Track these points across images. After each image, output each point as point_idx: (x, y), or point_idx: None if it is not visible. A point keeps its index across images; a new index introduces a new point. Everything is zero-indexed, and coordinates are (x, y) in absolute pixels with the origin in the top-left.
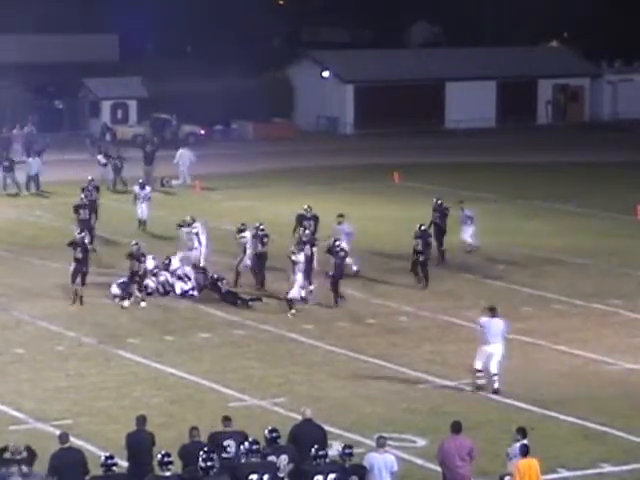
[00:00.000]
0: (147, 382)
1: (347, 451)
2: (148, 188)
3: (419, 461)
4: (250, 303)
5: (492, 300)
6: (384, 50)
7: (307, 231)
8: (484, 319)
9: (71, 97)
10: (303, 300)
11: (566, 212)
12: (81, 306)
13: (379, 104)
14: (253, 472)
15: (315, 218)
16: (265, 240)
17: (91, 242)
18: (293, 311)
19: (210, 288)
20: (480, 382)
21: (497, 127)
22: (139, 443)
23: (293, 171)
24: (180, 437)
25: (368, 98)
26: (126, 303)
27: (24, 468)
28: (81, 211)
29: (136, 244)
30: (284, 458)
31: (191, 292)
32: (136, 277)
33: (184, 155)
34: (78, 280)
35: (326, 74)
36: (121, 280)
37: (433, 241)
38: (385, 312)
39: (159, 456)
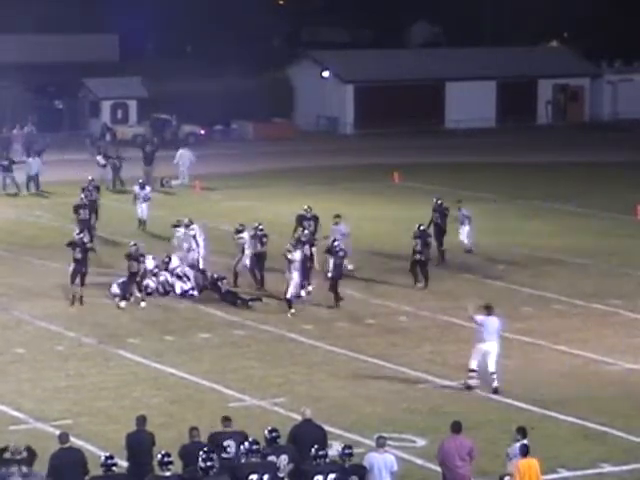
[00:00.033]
0: (147, 382)
1: (347, 451)
2: (148, 188)
3: (419, 461)
4: (250, 303)
5: (492, 300)
6: (384, 50)
7: (306, 231)
8: (480, 317)
9: (71, 97)
10: (300, 297)
11: (566, 212)
12: (81, 306)
13: (379, 104)
14: (253, 472)
15: (315, 218)
16: (264, 240)
17: (91, 242)
18: (293, 311)
19: (210, 288)
20: (471, 382)
21: (497, 127)
22: (139, 443)
23: (293, 171)
24: (180, 437)
25: (368, 98)
26: (123, 304)
27: (24, 468)
28: (81, 211)
29: (134, 245)
30: (284, 458)
31: (191, 292)
32: (135, 278)
33: (184, 155)
34: (77, 281)
35: (326, 74)
36: (121, 280)
37: (433, 241)
38: (385, 312)
39: (159, 456)
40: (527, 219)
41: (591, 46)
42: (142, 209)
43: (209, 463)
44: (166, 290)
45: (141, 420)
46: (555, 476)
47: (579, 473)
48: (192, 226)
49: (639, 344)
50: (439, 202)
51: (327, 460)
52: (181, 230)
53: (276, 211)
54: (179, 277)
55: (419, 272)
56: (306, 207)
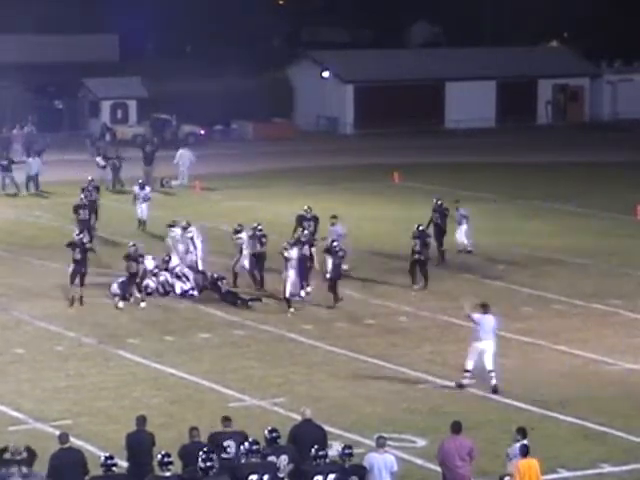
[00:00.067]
0: (147, 382)
1: (347, 451)
2: (148, 188)
3: (419, 461)
4: (250, 303)
5: (492, 300)
6: (384, 50)
7: (306, 231)
8: (477, 315)
9: (71, 97)
10: (300, 297)
11: (566, 212)
12: (81, 306)
13: (379, 104)
14: (253, 472)
15: (315, 219)
16: (263, 240)
17: (90, 242)
18: (292, 309)
19: (210, 288)
20: (464, 381)
21: (497, 127)
22: (139, 443)
23: (293, 171)
24: (180, 437)
25: (368, 98)
26: (121, 304)
27: (24, 469)
28: (81, 211)
29: (133, 245)
30: (284, 458)
31: (191, 292)
32: (135, 278)
33: (184, 155)
34: (77, 281)
35: (326, 74)
36: (121, 279)
37: (433, 241)
38: (385, 312)
39: (159, 456)
40: (527, 219)
41: (591, 46)
42: (142, 209)
43: (209, 463)
44: (166, 290)
45: (141, 420)
46: (555, 476)
47: (579, 473)
48: (190, 228)
49: (639, 344)
50: (439, 202)
51: (327, 460)
52: (176, 230)
53: (276, 211)
54: (178, 277)
55: (418, 272)
56: (306, 207)
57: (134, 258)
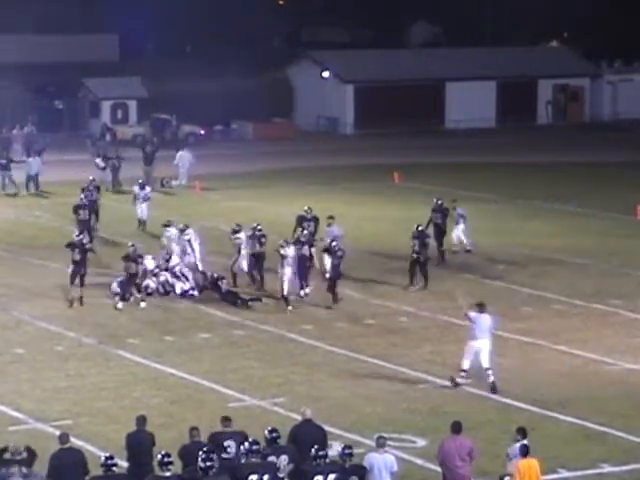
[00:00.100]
0: (147, 382)
1: (347, 451)
2: (148, 188)
3: (419, 461)
4: (250, 303)
5: (492, 300)
6: (384, 50)
7: (305, 231)
8: (473, 314)
9: (71, 97)
10: (298, 296)
11: (566, 212)
12: (81, 306)
13: (379, 104)
14: (253, 472)
15: (315, 219)
16: (263, 240)
17: (90, 242)
18: (290, 308)
19: (210, 288)
20: (459, 380)
21: (497, 127)
22: (139, 443)
23: (293, 171)
24: (180, 437)
25: (368, 98)
26: (120, 305)
27: (24, 469)
28: (80, 211)
29: (132, 245)
30: (284, 458)
31: (191, 292)
32: (134, 279)
33: (184, 157)
34: (77, 282)
35: (326, 74)
36: (121, 278)
37: (433, 241)
38: (385, 312)
39: (159, 456)
40: (527, 219)
41: (591, 46)
42: (142, 209)
43: (209, 463)
44: (166, 290)
45: (141, 420)
46: (555, 476)
47: (579, 473)
48: (187, 231)
49: (639, 344)
50: (439, 202)
51: (327, 460)
52: (171, 230)
53: (276, 211)
54: (177, 276)
55: (418, 272)
56: (306, 208)
57: (133, 259)
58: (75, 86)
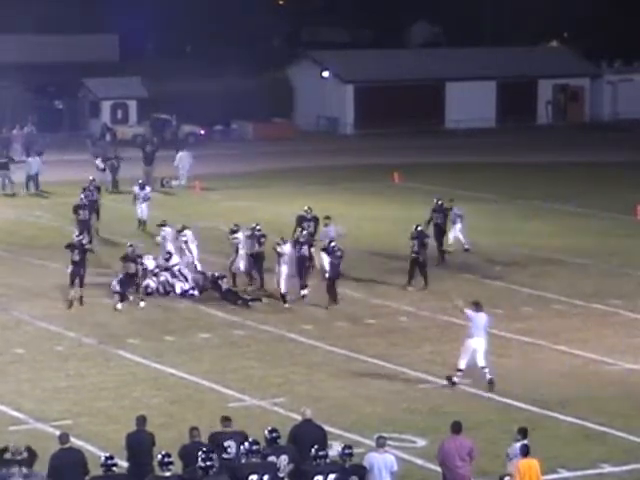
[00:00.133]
0: (147, 382)
1: (347, 451)
2: (148, 188)
3: (419, 461)
4: (250, 303)
5: (492, 300)
6: (384, 50)
7: (305, 232)
8: (469, 312)
9: (71, 97)
10: (303, 298)
11: (566, 212)
12: (81, 306)
13: (379, 104)
14: (253, 472)
15: (315, 219)
16: (262, 240)
17: (90, 242)
18: (287, 305)
19: (211, 287)
20: (455, 379)
21: (497, 127)
22: (139, 443)
23: (293, 171)
24: (180, 437)
25: (368, 98)
26: (119, 305)
27: (24, 469)
28: (80, 212)
29: (131, 246)
30: (284, 458)
31: (191, 292)
32: (134, 279)
33: (184, 158)
34: (76, 282)
35: (326, 74)
36: (121, 276)
37: (433, 241)
38: (385, 312)
39: (159, 456)
40: (527, 219)
41: (591, 46)
42: (142, 209)
43: (209, 463)
44: (166, 290)
45: (141, 420)
46: (555, 476)
47: (579, 473)
48: (184, 232)
49: (639, 344)
50: (439, 202)
51: (327, 460)
52: (166, 229)
53: (276, 211)
54: (174, 275)
55: (418, 273)
56: (306, 208)
57: (132, 259)
58: (75, 86)
